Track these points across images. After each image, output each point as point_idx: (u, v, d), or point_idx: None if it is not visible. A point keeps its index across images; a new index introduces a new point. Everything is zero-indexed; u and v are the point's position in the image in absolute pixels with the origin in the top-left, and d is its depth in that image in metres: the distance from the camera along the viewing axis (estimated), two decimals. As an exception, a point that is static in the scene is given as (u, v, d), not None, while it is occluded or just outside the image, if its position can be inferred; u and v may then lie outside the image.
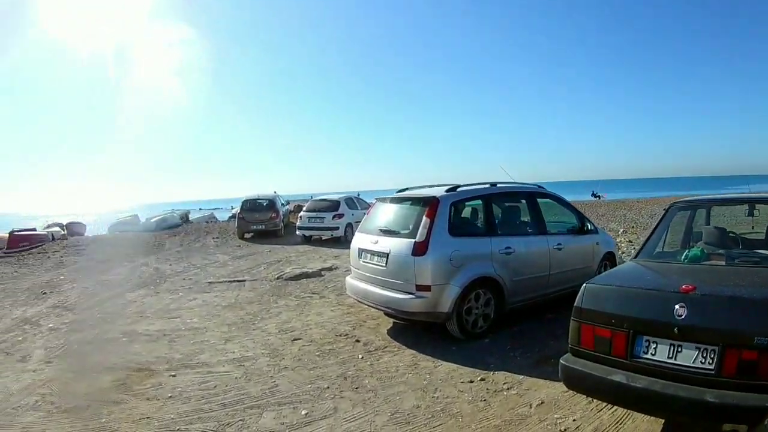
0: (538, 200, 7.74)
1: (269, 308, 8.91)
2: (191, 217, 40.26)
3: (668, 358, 3.35)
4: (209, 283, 11.70)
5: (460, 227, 6.85)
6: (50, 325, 8.41)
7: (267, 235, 21.04)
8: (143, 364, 6.26)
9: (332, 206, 19.35)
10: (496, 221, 7.21)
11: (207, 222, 35.31)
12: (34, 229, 26.57)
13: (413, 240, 6.38)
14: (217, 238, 21.69)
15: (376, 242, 6.95)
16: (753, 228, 5.45)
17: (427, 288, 6.25)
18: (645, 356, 3.45)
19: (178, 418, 4.72)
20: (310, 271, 12.19)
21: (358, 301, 7.51)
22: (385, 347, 6.45)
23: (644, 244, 4.87)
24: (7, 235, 21.81)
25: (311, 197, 22.90)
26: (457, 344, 6.36)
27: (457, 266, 6.35)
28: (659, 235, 4.93)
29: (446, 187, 7.00)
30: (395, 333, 7.03)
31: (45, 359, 6.69)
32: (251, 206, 21.76)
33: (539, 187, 8.13)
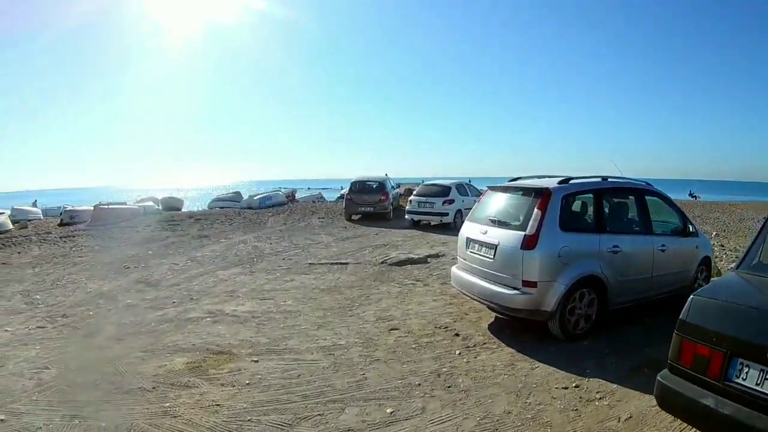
0: (646, 198, 7.37)
1: (369, 294, 8.75)
2: (298, 196, 40.08)
3: (756, 384, 3.06)
4: (309, 264, 11.53)
5: (570, 222, 6.56)
6: (128, 301, 8.28)
7: (375, 218, 20.67)
8: (224, 347, 6.14)
9: (443, 191, 18.92)
10: (605, 218, 6.92)
11: (314, 201, 34.97)
12: (124, 203, 27.03)
13: (523, 233, 6.19)
14: (323, 218, 21.50)
15: (485, 232, 6.76)
16: None
17: (533, 284, 6.05)
18: (736, 380, 3.16)
19: (252, 407, 4.59)
20: (416, 257, 11.95)
21: (462, 292, 7.31)
22: (484, 343, 6.27)
23: (746, 254, 4.42)
24: (92, 208, 22.11)
25: (422, 181, 22.57)
26: (557, 344, 6.15)
27: (564, 263, 6.12)
28: (759, 245, 4.46)
29: (558, 179, 6.76)
30: (496, 328, 6.84)
31: (115, 336, 6.57)
32: (360, 188, 21.57)
33: (647, 184, 7.72)
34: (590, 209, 6.91)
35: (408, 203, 19.78)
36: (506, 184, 7.40)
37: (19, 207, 27.90)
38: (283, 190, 39.60)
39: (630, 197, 7.43)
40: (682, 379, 3.47)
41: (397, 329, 6.83)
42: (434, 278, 10.01)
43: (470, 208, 18.27)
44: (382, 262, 11.47)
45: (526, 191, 6.77)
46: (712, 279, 8.17)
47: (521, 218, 6.44)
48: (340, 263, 11.55)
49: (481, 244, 6.78)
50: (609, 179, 7.21)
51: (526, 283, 6.08)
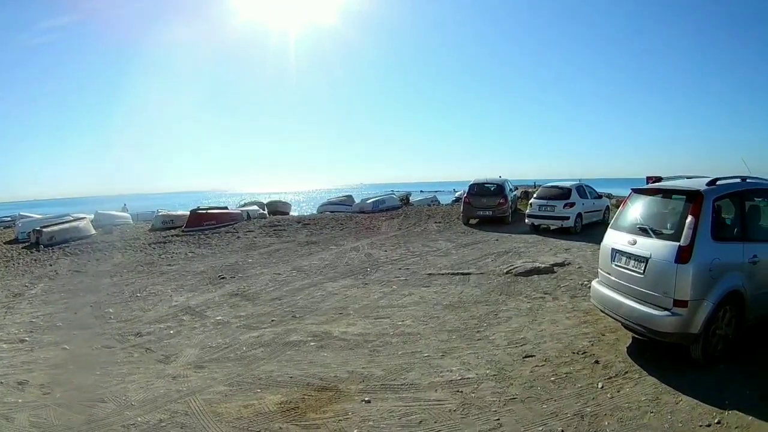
0: None
1: (497, 311, 8.23)
2: (412, 199, 39.48)
3: None
4: (429, 275, 10.98)
5: (721, 230, 6.01)
6: (218, 318, 7.64)
7: (493, 222, 20.25)
8: (329, 381, 5.50)
9: (563, 194, 18.36)
10: (748, 223, 6.30)
11: (429, 205, 34.46)
12: (225, 208, 26.52)
13: (677, 243, 5.66)
14: (440, 222, 21.02)
15: (635, 243, 6.24)
16: None
17: (684, 304, 5.53)
18: None
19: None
20: (542, 266, 11.42)
21: (605, 312, 6.74)
22: (626, 372, 5.83)
23: None
24: (188, 213, 21.65)
25: (534, 183, 22.11)
26: (695, 370, 5.69)
27: (714, 278, 5.59)
28: None
29: (706, 180, 6.25)
30: (635, 352, 6.37)
31: (195, 362, 5.97)
32: (479, 190, 21.19)
33: None
34: (736, 214, 6.29)
35: (528, 206, 19.27)
36: (653, 186, 6.96)
37: (103, 211, 27.08)
38: (396, 193, 39.39)
39: (766, 200, 6.81)
40: None
41: (532, 356, 6.38)
42: (563, 291, 9.52)
43: (591, 212, 18.07)
44: (507, 272, 11.05)
45: (677, 194, 6.36)
46: None
47: (673, 226, 5.98)
48: (462, 274, 11.10)
49: (630, 256, 6.25)
50: (748, 179, 6.62)
51: (678, 303, 5.55)
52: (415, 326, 7.44)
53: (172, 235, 17.62)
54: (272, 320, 7.74)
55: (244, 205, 32.54)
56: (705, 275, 5.54)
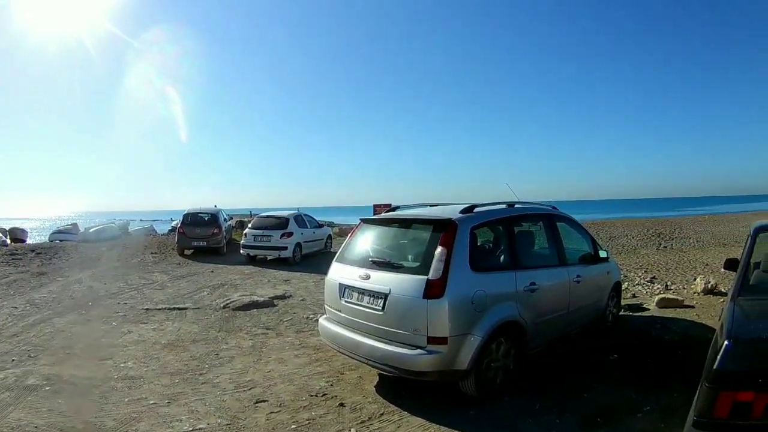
0: (557, 224, 6.58)
1: (218, 350, 7.33)
2: (130, 228, 39.66)
3: None
4: (146, 309, 10.21)
5: (482, 259, 5.51)
6: None
7: (208, 253, 19.71)
8: None
9: (280, 224, 18.00)
10: (519, 251, 5.87)
11: (146, 235, 34.03)
12: None
13: (425, 277, 4.94)
14: (156, 253, 20.21)
15: (368, 277, 5.43)
16: None
17: (442, 341, 4.81)
18: None
19: None
20: (261, 299, 10.78)
21: (341, 352, 5.88)
22: (381, 414, 4.95)
23: (743, 280, 4.25)
24: None
25: (250, 213, 21.88)
26: (474, 406, 5.03)
27: (480, 310, 4.99)
28: (745, 270, 4.38)
29: (459, 207, 5.61)
30: (386, 390, 5.52)
31: None
32: (193, 220, 20.46)
33: (553, 207, 6.99)
34: (502, 242, 5.86)
35: (243, 237, 18.61)
36: (390, 215, 6.23)
37: None
38: (116, 222, 39.34)
39: (540, 224, 6.55)
40: None
41: (264, 401, 5.36)
42: (286, 325, 8.84)
43: (311, 241, 17.44)
44: (225, 306, 10.28)
45: (422, 223, 5.65)
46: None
47: (418, 258, 5.30)
48: (179, 308, 10.29)
49: (363, 292, 5.46)
50: (516, 205, 6.26)
51: (434, 340, 4.84)
52: (137, 368, 6.63)
53: None
54: (13, 359, 7.00)
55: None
56: (466, 309, 4.94)
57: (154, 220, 59.16)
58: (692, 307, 9.32)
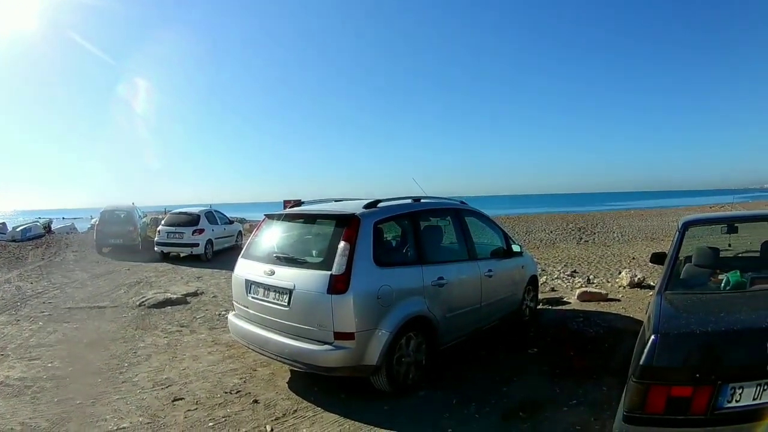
0: (466, 218, 6.74)
1: (136, 348, 7.30)
2: (53, 227, 37.97)
3: (753, 399, 2.94)
4: (69, 308, 10.21)
5: (386, 254, 5.62)
6: None
7: (125, 250, 19.69)
8: None
9: (192, 221, 18.18)
10: (425, 245, 5.97)
11: (68, 233, 33.87)
12: None
13: (329, 272, 4.98)
14: (76, 251, 20.50)
15: (272, 273, 5.47)
16: (729, 245, 5.46)
17: (349, 336, 4.89)
18: (728, 405, 2.96)
19: None
20: (174, 297, 10.83)
21: (251, 348, 5.93)
22: (295, 410, 5.00)
23: (671, 273, 4.27)
24: None
25: (165, 210, 21.72)
26: (388, 401, 5.11)
27: (386, 305, 5.08)
28: (674, 263, 4.42)
29: (363, 203, 5.67)
30: (299, 386, 5.60)
31: None
32: (109, 218, 20.59)
33: (462, 202, 7.11)
34: (408, 237, 5.94)
35: (157, 234, 18.61)
36: (294, 210, 6.25)
37: None
38: (40, 220, 36.99)
39: (448, 219, 6.66)
40: (649, 427, 3.08)
41: (181, 398, 5.37)
42: (199, 322, 8.90)
43: (222, 237, 17.70)
44: (140, 304, 10.31)
45: (325, 219, 5.74)
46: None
47: (323, 254, 5.33)
48: (98, 307, 10.36)
49: (269, 288, 5.50)
50: (422, 200, 6.37)
51: (341, 335, 4.91)
52: (63, 368, 6.55)
53: None
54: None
55: None
56: (371, 304, 5.02)
57: (75, 218, 57.01)
58: (618, 300, 9.57)
